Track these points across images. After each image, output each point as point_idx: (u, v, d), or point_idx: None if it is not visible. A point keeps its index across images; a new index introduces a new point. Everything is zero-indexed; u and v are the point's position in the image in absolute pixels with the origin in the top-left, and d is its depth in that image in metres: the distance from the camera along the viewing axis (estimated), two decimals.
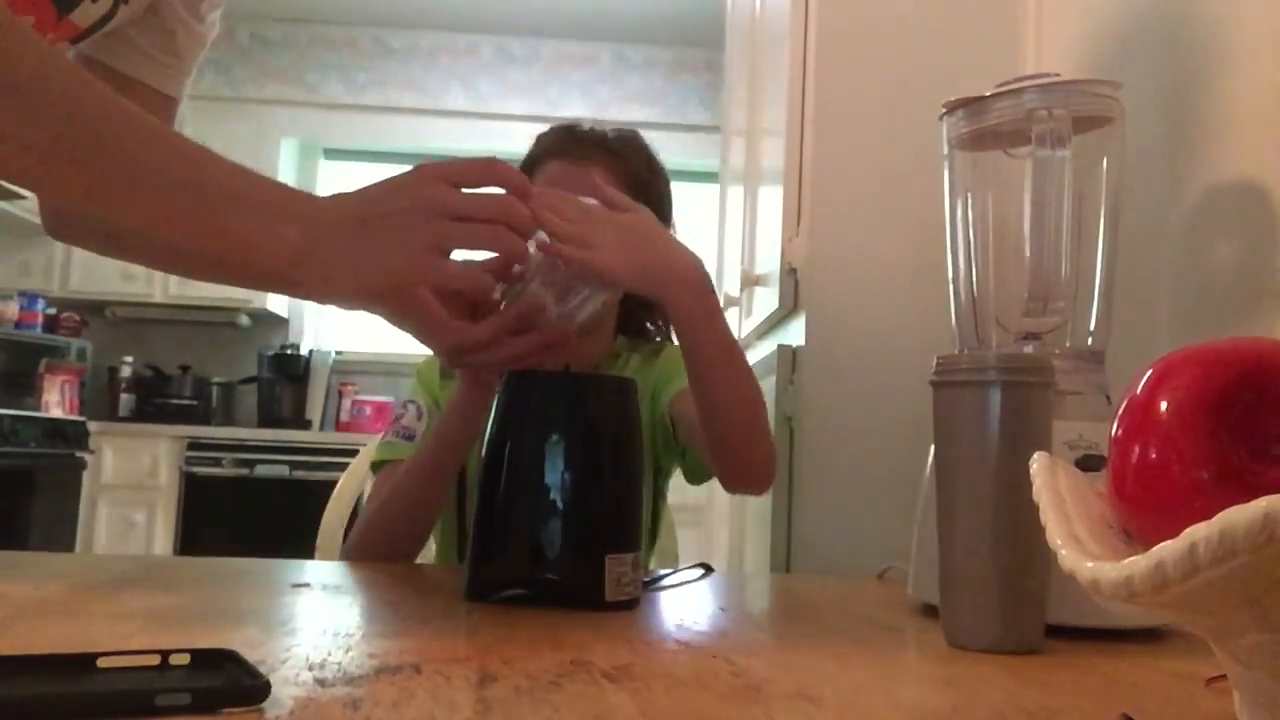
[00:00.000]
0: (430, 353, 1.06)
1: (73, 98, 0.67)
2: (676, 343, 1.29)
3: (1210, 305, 0.97)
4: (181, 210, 0.70)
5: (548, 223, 0.85)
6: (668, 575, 0.98)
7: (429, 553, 1.26)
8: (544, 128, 1.27)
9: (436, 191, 0.73)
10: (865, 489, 1.33)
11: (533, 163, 1.20)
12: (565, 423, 0.80)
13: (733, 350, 0.98)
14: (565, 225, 0.87)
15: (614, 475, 0.81)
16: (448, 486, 1.08)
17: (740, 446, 1.01)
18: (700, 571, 1.01)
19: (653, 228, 0.95)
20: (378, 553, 1.07)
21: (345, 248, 0.71)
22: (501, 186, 0.76)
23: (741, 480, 1.07)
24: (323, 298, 0.76)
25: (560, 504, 0.79)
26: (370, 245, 0.71)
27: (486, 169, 0.76)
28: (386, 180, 0.75)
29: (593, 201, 0.93)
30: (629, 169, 1.18)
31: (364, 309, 0.80)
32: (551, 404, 0.82)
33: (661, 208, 1.21)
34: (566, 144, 1.18)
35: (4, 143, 0.65)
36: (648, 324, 1.28)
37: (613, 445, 0.81)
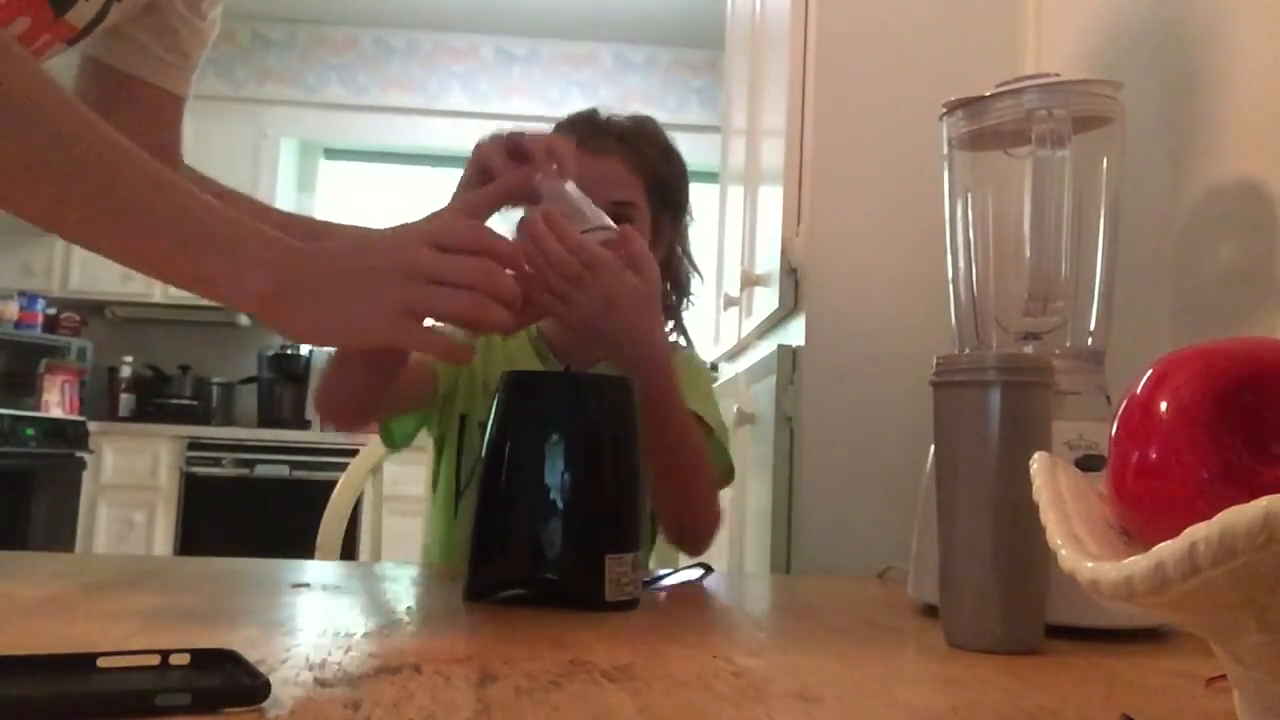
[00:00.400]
0: None
1: (49, 120, 0.66)
2: (684, 344, 1.30)
3: (1210, 305, 0.97)
4: (153, 246, 0.69)
5: (540, 269, 0.87)
6: (668, 575, 0.98)
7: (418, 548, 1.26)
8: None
9: (415, 254, 0.71)
10: (865, 489, 1.33)
11: None
12: (565, 423, 0.80)
13: (681, 436, 1.02)
14: (553, 276, 0.89)
15: (614, 475, 0.81)
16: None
17: (675, 514, 1.08)
18: (700, 571, 1.01)
19: (638, 304, 0.95)
20: (337, 388, 1.02)
21: (314, 300, 0.70)
22: (488, 255, 0.73)
23: (675, 540, 1.12)
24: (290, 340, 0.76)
25: (560, 504, 0.79)
26: (339, 301, 0.69)
27: (472, 237, 0.74)
28: (369, 235, 0.74)
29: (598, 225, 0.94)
30: (645, 161, 1.17)
31: None
32: (552, 404, 0.82)
33: (677, 199, 1.23)
34: (584, 135, 1.17)
35: None
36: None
37: (612, 445, 0.81)
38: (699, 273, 1.29)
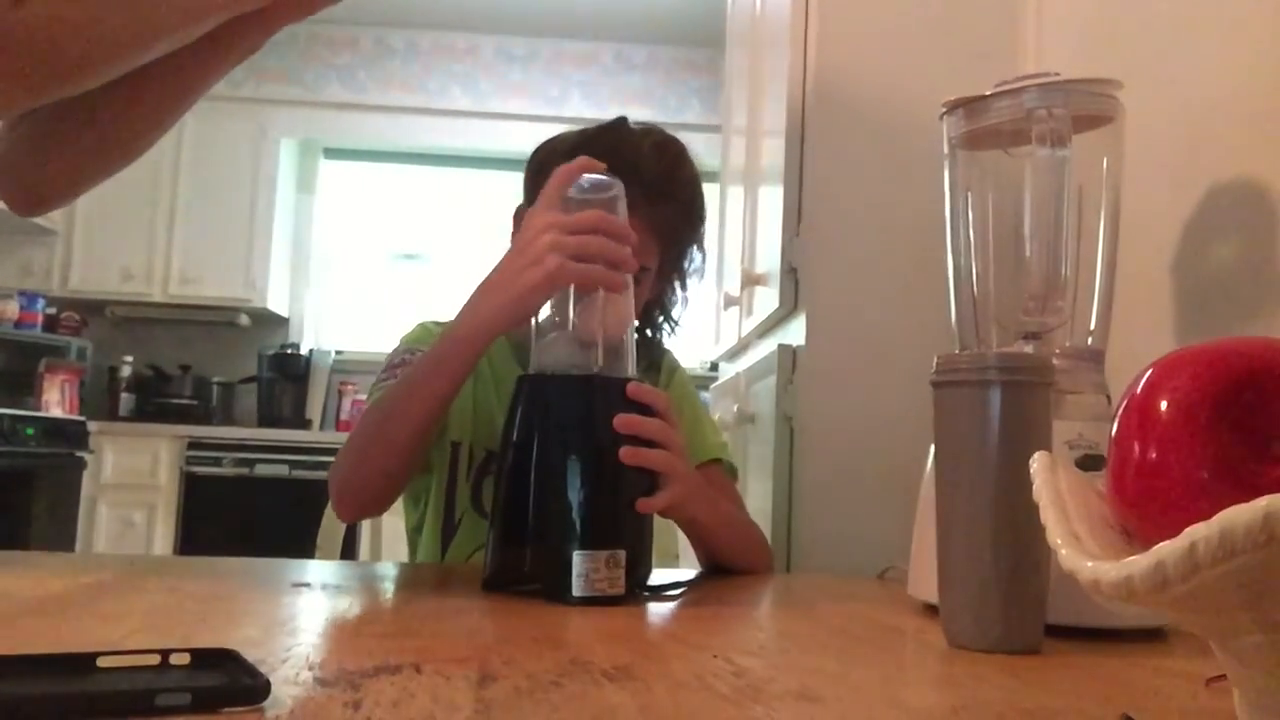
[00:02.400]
0: (435, 318, 1.19)
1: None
2: (670, 348, 1.30)
3: (1210, 305, 0.97)
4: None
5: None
6: (669, 577, 0.98)
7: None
8: (546, 128, 1.25)
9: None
10: (865, 489, 1.33)
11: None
12: (578, 424, 0.84)
13: (726, 524, 1.06)
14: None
15: (615, 474, 0.83)
16: (445, 403, 0.98)
17: (745, 569, 1.10)
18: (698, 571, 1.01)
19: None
20: (369, 474, 1.01)
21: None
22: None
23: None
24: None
25: (570, 502, 0.81)
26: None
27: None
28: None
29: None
30: (667, 223, 1.12)
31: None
32: (566, 407, 0.84)
33: (686, 244, 1.19)
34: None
35: None
36: (647, 330, 1.27)
37: (616, 445, 0.83)
38: (684, 297, 1.26)
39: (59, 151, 0.87)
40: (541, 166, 1.10)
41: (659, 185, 1.10)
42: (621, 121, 1.16)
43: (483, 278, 0.95)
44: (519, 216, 1.14)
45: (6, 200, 0.91)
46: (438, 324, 1.19)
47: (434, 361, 0.96)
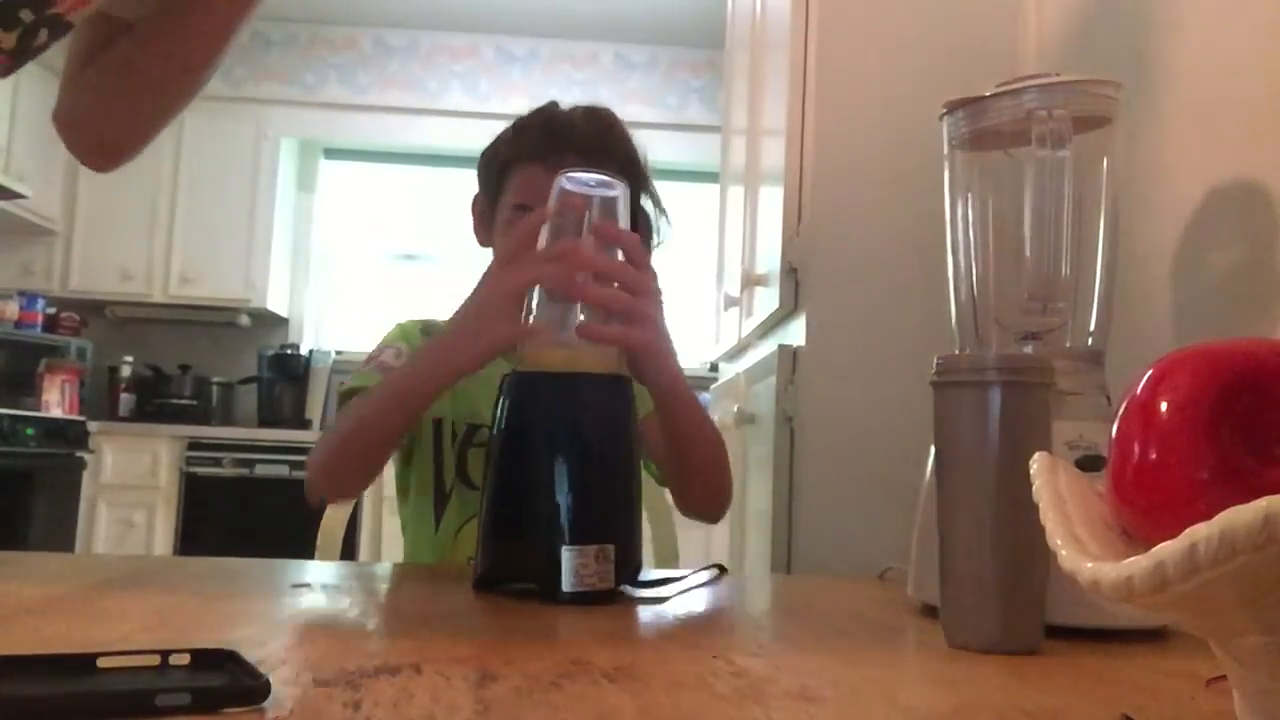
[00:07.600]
0: (412, 317, 1.29)
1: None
2: None
3: (1210, 305, 0.97)
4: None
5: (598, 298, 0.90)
6: (675, 575, 0.98)
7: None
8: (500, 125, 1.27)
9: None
10: (865, 489, 1.33)
11: (508, 164, 1.20)
12: (564, 421, 0.83)
13: (693, 401, 1.06)
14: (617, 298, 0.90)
15: (602, 469, 0.83)
16: (422, 411, 1.05)
17: (708, 481, 1.11)
18: (715, 572, 1.01)
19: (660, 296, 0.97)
20: (345, 475, 1.09)
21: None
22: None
23: (699, 509, 1.14)
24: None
25: (558, 498, 0.81)
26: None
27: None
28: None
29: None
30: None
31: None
32: (552, 403, 0.84)
33: (631, 206, 1.22)
34: (540, 147, 1.17)
35: None
36: None
37: (602, 441, 0.84)
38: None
39: (121, 94, 0.87)
40: (490, 161, 1.25)
41: (594, 145, 1.16)
42: (551, 104, 1.23)
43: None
44: (475, 206, 1.27)
45: (82, 155, 0.91)
46: (416, 324, 1.27)
47: (400, 392, 1.01)
